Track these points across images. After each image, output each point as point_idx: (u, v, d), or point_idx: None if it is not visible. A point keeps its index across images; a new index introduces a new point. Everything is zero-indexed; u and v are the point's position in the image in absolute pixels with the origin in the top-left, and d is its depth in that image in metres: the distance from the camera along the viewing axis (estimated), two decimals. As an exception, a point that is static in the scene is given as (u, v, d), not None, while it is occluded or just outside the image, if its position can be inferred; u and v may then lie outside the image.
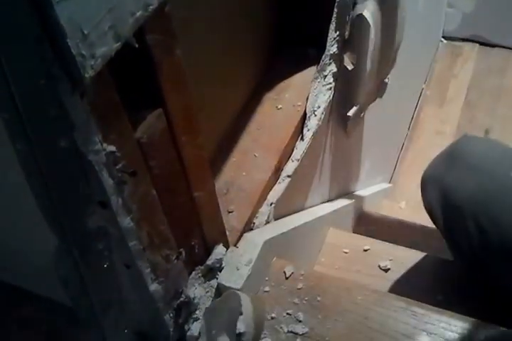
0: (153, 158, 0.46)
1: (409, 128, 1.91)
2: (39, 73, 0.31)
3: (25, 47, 0.30)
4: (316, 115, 0.83)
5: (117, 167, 0.41)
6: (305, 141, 0.82)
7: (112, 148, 0.40)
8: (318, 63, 0.83)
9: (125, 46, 0.36)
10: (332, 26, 0.78)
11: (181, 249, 0.55)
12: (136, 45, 0.37)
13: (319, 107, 0.84)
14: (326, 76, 0.84)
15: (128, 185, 0.43)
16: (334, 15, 0.78)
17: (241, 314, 0.60)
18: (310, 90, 0.81)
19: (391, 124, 1.49)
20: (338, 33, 0.80)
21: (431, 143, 1.90)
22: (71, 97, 0.34)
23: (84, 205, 0.40)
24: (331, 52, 0.81)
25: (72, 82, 0.33)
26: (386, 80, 0.96)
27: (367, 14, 0.78)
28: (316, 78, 0.82)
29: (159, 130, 0.45)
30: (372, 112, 1.05)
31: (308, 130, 0.82)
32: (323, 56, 0.80)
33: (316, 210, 1.00)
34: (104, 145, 0.39)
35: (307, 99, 0.81)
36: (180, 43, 0.44)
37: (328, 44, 0.80)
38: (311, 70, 0.86)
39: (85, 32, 0.32)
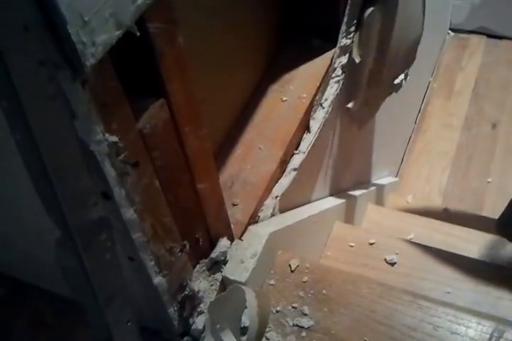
0: (156, 149, 0.45)
1: (416, 122, 1.89)
2: (39, 61, 0.31)
3: (25, 34, 0.30)
4: (323, 107, 0.83)
5: (120, 158, 0.41)
6: (312, 133, 0.81)
7: (114, 138, 0.39)
8: (323, 54, 0.82)
9: (127, 35, 0.35)
10: (345, 19, 0.77)
11: (185, 242, 0.55)
12: (138, 33, 0.36)
13: (326, 99, 0.83)
14: (335, 68, 0.83)
15: (131, 176, 0.43)
16: (348, 7, 0.77)
17: (246, 308, 0.60)
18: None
19: (398, 118, 1.48)
20: (350, 25, 0.79)
21: (438, 135, 1.89)
22: (72, 86, 0.33)
23: (86, 196, 0.40)
24: (342, 44, 0.80)
25: (72, 70, 0.32)
26: (402, 76, 0.94)
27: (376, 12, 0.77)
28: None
29: (162, 120, 0.45)
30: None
31: (315, 122, 0.82)
32: (336, 48, 0.79)
33: (321, 203, 0.99)
34: (106, 135, 0.39)
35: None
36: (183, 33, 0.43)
37: (340, 36, 0.79)
38: (316, 62, 0.85)
39: (86, 19, 0.31)
